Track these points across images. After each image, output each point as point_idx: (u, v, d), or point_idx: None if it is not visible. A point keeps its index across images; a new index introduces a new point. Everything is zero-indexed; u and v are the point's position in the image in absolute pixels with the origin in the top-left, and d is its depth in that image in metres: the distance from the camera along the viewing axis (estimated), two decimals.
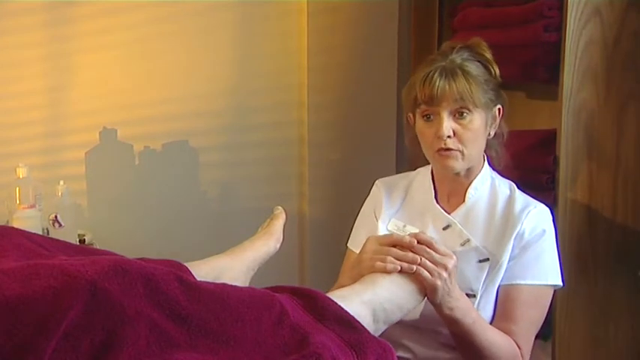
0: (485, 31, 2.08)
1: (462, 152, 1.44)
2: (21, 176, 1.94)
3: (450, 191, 1.53)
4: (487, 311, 1.44)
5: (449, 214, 1.51)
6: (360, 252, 1.35)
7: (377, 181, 1.63)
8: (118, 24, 2.30)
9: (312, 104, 2.50)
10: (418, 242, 1.29)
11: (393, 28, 2.55)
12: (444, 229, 1.49)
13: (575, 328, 1.86)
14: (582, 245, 1.84)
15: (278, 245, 1.45)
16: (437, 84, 1.40)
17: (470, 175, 1.50)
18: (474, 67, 1.44)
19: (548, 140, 1.83)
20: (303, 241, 2.61)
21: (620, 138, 1.84)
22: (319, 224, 2.57)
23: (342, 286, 1.42)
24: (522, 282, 1.44)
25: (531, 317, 1.45)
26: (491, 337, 1.38)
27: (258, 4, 2.44)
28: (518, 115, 2.38)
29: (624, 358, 1.92)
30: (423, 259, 1.27)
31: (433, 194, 1.53)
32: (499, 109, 1.49)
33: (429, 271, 1.26)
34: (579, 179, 1.81)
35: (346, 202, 2.48)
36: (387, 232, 1.52)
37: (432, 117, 1.44)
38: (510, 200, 1.50)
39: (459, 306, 1.32)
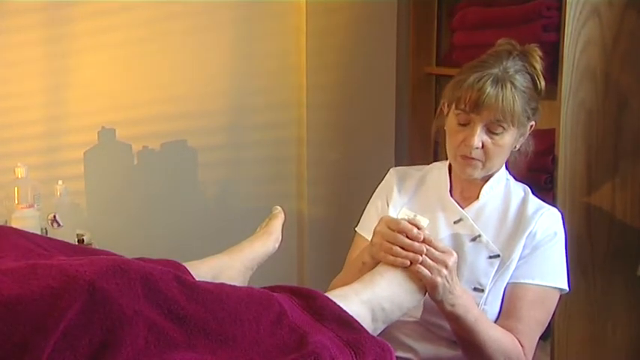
0: (484, 30, 2.08)
1: (483, 163, 1.44)
2: (19, 176, 1.94)
3: (465, 187, 1.53)
4: (494, 308, 1.44)
5: (462, 208, 1.51)
6: (373, 233, 1.35)
7: (391, 169, 1.63)
8: (116, 24, 2.29)
9: (310, 104, 2.50)
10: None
11: (392, 28, 2.55)
12: (456, 222, 1.49)
13: (574, 327, 1.86)
14: (581, 245, 1.84)
15: (277, 245, 1.45)
16: (485, 92, 1.37)
17: (486, 175, 1.50)
18: (523, 83, 1.41)
19: (546, 140, 1.83)
20: (301, 241, 2.61)
21: (619, 137, 1.84)
22: (318, 224, 2.57)
23: (349, 273, 1.44)
24: (530, 281, 1.44)
25: (536, 317, 1.45)
26: (494, 335, 1.38)
27: (257, 4, 2.44)
28: None
29: (623, 357, 1.93)
30: (423, 256, 1.27)
31: (448, 187, 1.53)
32: (531, 125, 1.48)
33: (428, 269, 1.26)
34: (578, 179, 1.81)
35: (345, 202, 2.49)
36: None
37: (465, 122, 1.43)
38: (524, 202, 1.50)
39: (461, 303, 1.32)
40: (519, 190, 1.53)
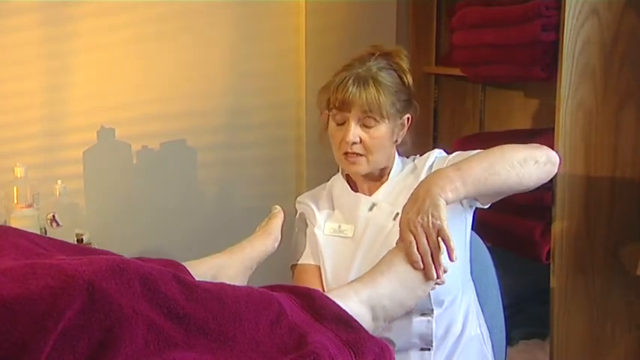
0: (484, 30, 2.08)
1: (366, 158, 1.50)
2: (19, 175, 1.94)
3: (369, 184, 1.57)
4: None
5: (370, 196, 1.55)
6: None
7: (298, 198, 1.66)
8: (115, 23, 2.29)
9: (310, 103, 2.50)
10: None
11: (392, 28, 2.55)
12: (370, 209, 1.53)
13: (573, 327, 1.87)
14: (580, 244, 1.84)
15: (276, 244, 1.45)
16: (349, 91, 1.46)
17: (383, 172, 1.55)
18: (387, 77, 1.49)
19: (545, 139, 1.82)
20: None
21: (618, 136, 1.84)
22: None
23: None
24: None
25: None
26: (513, 155, 1.39)
27: (257, 4, 2.44)
28: (515, 114, 2.39)
29: (622, 357, 1.93)
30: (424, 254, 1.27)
31: (348, 187, 1.58)
32: (408, 118, 1.54)
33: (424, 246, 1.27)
34: (577, 178, 1.82)
35: None
36: (323, 237, 1.54)
37: (342, 121, 1.49)
38: (414, 164, 1.57)
39: (452, 187, 1.32)
40: (410, 161, 1.59)
